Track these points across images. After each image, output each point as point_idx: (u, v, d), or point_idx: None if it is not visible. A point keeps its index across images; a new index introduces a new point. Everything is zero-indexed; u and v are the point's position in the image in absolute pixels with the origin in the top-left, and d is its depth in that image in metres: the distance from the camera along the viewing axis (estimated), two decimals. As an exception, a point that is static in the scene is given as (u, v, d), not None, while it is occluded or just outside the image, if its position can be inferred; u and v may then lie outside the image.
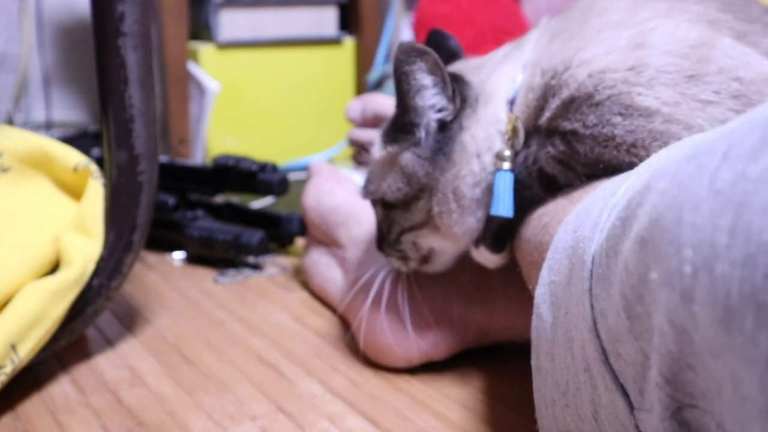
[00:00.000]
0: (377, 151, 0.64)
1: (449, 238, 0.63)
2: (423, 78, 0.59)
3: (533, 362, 0.50)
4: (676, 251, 0.31)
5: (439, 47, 0.68)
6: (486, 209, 0.60)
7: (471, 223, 0.61)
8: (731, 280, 0.28)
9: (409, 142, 0.61)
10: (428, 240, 0.64)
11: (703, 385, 0.32)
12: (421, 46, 0.58)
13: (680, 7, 0.53)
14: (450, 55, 0.69)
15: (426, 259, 0.66)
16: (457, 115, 0.60)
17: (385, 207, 0.65)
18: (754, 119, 0.31)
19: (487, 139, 0.59)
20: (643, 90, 0.51)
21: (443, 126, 0.60)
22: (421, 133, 0.60)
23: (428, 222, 0.62)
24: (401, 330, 0.69)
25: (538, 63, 0.57)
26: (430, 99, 0.60)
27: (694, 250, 0.30)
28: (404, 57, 0.58)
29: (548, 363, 0.47)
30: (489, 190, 0.59)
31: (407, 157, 0.61)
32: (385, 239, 0.66)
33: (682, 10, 0.53)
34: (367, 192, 0.65)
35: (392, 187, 0.62)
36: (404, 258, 0.66)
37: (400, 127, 0.61)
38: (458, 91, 0.60)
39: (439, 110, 0.60)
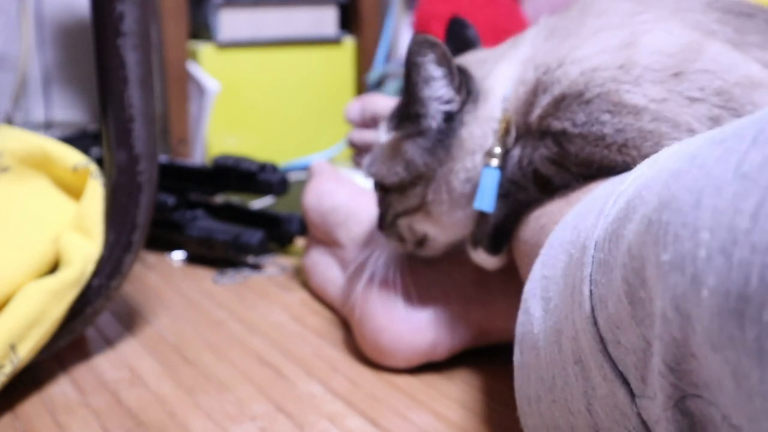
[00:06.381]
0: (381, 135, 0.65)
1: (440, 225, 0.64)
2: (433, 69, 0.60)
3: (515, 358, 0.49)
4: (691, 234, 0.30)
5: (457, 36, 0.70)
6: None
7: (460, 216, 0.63)
8: (751, 266, 0.27)
9: (413, 132, 0.62)
10: (422, 225, 0.65)
11: (707, 375, 0.31)
12: (433, 38, 0.59)
13: (680, 15, 0.54)
14: (467, 44, 0.69)
15: (421, 243, 0.67)
16: (462, 108, 0.60)
17: (383, 190, 0.66)
18: None
19: (482, 137, 0.60)
20: (630, 87, 0.51)
21: (448, 118, 0.61)
22: (427, 124, 0.61)
23: (421, 208, 0.63)
24: (401, 330, 0.69)
25: (532, 59, 0.58)
26: (438, 90, 0.60)
27: (711, 234, 0.29)
28: (416, 48, 0.59)
29: (532, 358, 0.47)
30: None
31: (409, 146, 0.62)
32: (384, 220, 0.68)
33: (681, 18, 0.53)
34: (369, 173, 0.67)
35: (391, 171, 0.64)
36: (401, 240, 0.68)
37: (406, 116, 0.62)
38: (465, 83, 0.61)
39: (446, 102, 0.61)
